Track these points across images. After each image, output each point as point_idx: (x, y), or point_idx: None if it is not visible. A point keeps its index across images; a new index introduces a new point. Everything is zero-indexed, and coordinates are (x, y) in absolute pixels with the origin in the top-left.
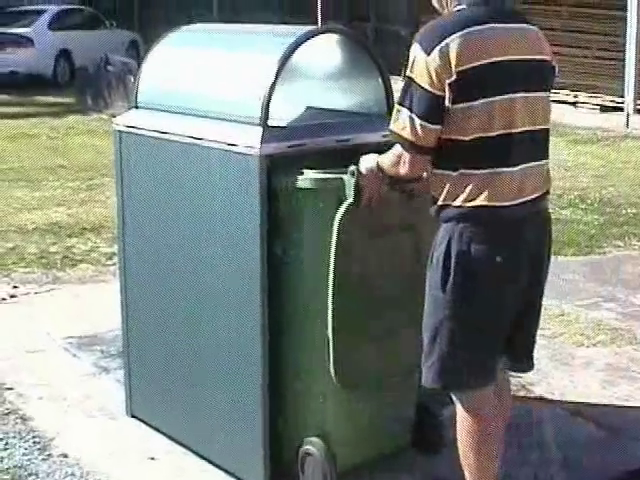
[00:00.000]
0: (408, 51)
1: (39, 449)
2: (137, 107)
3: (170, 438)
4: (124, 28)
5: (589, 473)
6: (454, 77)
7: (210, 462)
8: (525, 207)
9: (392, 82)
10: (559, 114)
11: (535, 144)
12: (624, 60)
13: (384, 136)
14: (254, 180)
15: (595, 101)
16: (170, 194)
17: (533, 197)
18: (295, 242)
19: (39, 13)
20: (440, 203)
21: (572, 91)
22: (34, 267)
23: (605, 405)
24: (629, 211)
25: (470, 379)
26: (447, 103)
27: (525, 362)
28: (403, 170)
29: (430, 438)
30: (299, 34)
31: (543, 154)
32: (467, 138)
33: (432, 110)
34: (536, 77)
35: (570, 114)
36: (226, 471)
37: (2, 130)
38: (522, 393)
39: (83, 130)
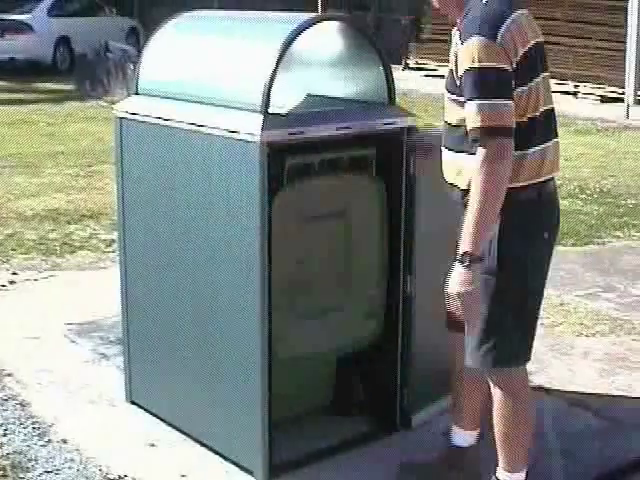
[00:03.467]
0: (409, 40)
1: (38, 435)
2: (138, 93)
3: (170, 425)
4: (124, 15)
5: (588, 464)
6: (517, 59)
7: (210, 449)
8: (553, 182)
9: (393, 70)
10: (560, 104)
11: (555, 121)
12: (625, 51)
13: (385, 124)
14: (254, 167)
15: (596, 92)
16: (170, 181)
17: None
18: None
19: (38, 0)
20: None
21: (573, 81)
22: (33, 253)
23: (604, 395)
24: (629, 202)
25: (523, 357)
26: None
27: None
28: (506, 162)
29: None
30: (300, 21)
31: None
32: (522, 120)
33: (509, 86)
34: (544, 58)
35: (571, 104)
36: (225, 458)
37: (1, 116)
38: None
39: (82, 117)
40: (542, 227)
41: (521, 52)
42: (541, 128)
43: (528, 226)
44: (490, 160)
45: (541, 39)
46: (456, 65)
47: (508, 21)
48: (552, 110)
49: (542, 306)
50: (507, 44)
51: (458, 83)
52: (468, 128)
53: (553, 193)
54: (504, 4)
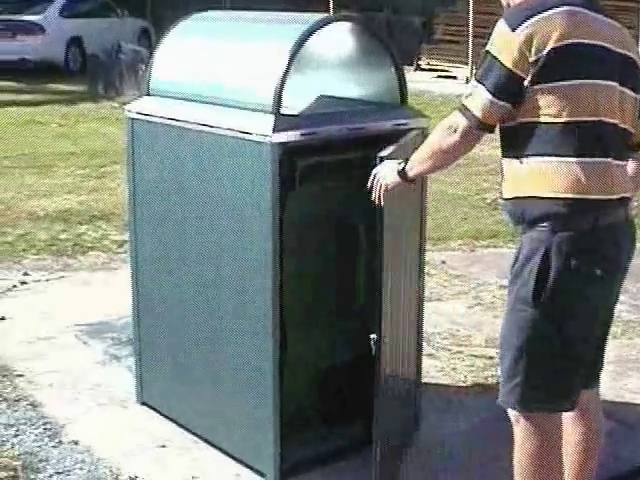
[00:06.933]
0: (421, 41)
1: (49, 436)
2: (149, 94)
3: (181, 426)
4: (135, 16)
5: (599, 466)
6: (544, 54)
7: (221, 450)
8: (619, 209)
9: (404, 71)
10: None
11: (624, 142)
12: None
13: (396, 125)
14: (266, 168)
15: None
16: (181, 182)
17: (625, 197)
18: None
19: (50, 0)
20: (526, 194)
21: None
22: (45, 254)
23: (616, 397)
24: (637, 203)
25: (555, 404)
26: (528, 82)
27: (594, 379)
28: (452, 139)
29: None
30: (312, 22)
31: (627, 155)
32: (559, 120)
33: (506, 88)
34: (629, 74)
35: None
36: (237, 459)
37: (13, 117)
38: None
39: (94, 117)
40: (594, 262)
41: (550, 47)
42: (590, 139)
43: (576, 259)
44: (445, 133)
45: (627, 53)
46: None
47: (545, 14)
48: (624, 129)
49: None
50: (527, 38)
51: None
52: (462, 99)
53: (618, 224)
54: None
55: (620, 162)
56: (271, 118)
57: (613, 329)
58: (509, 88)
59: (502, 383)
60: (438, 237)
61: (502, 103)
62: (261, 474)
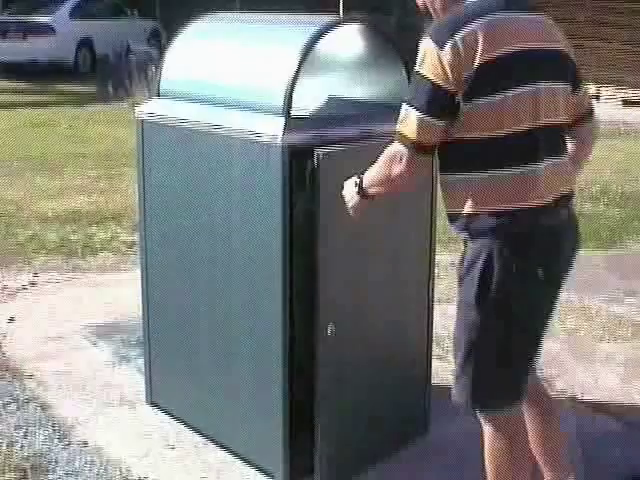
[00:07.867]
0: None
1: (59, 437)
2: (160, 96)
3: (190, 427)
4: (145, 17)
5: (608, 468)
6: (472, 70)
7: (230, 451)
8: (559, 211)
9: None
10: None
11: (558, 138)
12: None
13: None
14: (276, 170)
15: (618, 94)
16: (191, 183)
17: (563, 194)
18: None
19: (60, 2)
20: (466, 212)
21: (595, 84)
22: (54, 255)
23: (625, 400)
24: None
25: (504, 399)
26: (460, 99)
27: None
28: (398, 169)
29: None
30: (323, 23)
31: (565, 149)
32: (490, 135)
33: (438, 104)
34: (555, 67)
35: None
36: (246, 460)
37: (23, 118)
38: None
39: (104, 119)
40: (535, 264)
41: (477, 63)
42: (524, 146)
43: (516, 262)
44: (390, 163)
45: (552, 46)
46: None
47: (471, 26)
48: (556, 125)
49: (540, 347)
50: (454, 55)
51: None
52: (397, 126)
53: (559, 225)
54: (490, 4)
55: (557, 160)
56: (281, 120)
57: (622, 332)
58: (441, 104)
59: (455, 378)
60: (448, 239)
61: (434, 121)
62: (270, 475)
